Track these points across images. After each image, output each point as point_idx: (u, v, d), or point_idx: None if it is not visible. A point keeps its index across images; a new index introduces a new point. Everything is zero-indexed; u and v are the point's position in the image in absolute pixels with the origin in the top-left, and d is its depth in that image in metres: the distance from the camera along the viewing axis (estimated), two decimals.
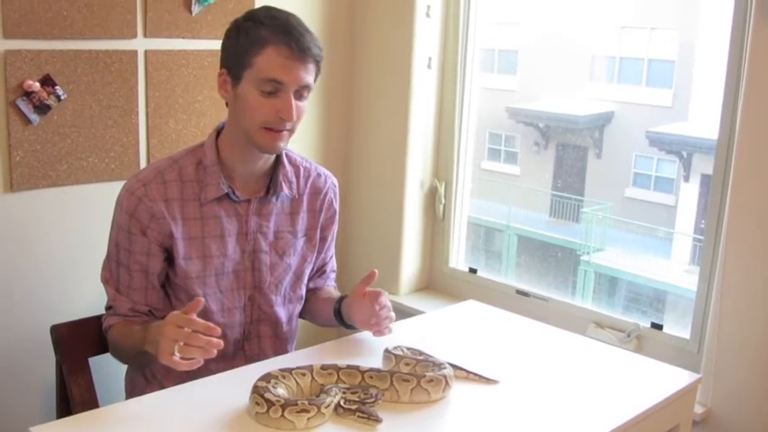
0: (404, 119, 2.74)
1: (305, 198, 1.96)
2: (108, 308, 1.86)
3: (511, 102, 3.08)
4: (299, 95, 1.76)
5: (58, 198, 2.25)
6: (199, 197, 1.82)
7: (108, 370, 2.14)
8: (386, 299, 1.83)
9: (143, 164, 2.38)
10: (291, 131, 1.79)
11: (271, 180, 1.89)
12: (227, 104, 1.83)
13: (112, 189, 2.32)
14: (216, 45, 2.47)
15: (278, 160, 1.90)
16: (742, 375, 2.05)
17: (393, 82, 2.76)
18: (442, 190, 2.84)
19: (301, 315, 2.07)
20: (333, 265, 2.13)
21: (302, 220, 1.96)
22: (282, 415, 1.45)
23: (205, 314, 1.83)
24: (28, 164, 2.17)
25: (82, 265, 2.32)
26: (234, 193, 1.84)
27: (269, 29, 1.72)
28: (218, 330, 1.51)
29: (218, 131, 1.87)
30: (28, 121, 2.14)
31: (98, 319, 1.99)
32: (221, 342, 1.52)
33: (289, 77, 1.72)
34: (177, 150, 1.90)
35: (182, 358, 1.50)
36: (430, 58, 2.75)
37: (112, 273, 1.85)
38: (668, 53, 2.71)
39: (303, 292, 2.01)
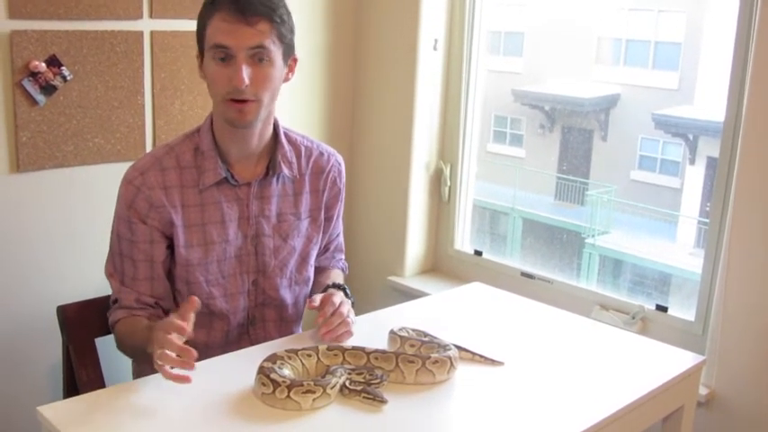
0: (409, 100, 2.73)
1: (307, 178, 1.92)
2: (113, 301, 1.82)
3: (517, 84, 3.08)
4: (258, 61, 1.69)
5: (64, 179, 2.26)
6: (198, 183, 1.79)
7: (115, 351, 2.15)
8: (339, 303, 1.76)
9: (149, 145, 2.38)
10: (258, 102, 1.71)
11: (269, 161, 1.85)
12: None
13: (118, 170, 2.32)
14: None
15: (276, 140, 1.86)
16: (746, 357, 2.05)
17: (399, 63, 2.75)
18: (447, 172, 2.84)
19: None
20: (339, 244, 2.10)
21: (305, 201, 1.92)
22: (288, 395, 1.45)
23: (208, 300, 1.83)
24: (34, 144, 2.17)
25: (88, 246, 2.33)
26: (233, 177, 1.81)
27: None
28: (194, 354, 1.44)
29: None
30: (34, 102, 2.15)
31: (105, 299, 1.99)
32: (193, 364, 1.44)
33: (233, 41, 1.66)
34: (174, 137, 1.87)
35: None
36: (436, 40, 2.74)
37: (116, 265, 1.82)
38: (675, 36, 2.70)
39: (310, 273, 1.97)
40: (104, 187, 2.33)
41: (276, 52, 1.71)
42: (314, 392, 1.47)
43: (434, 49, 2.74)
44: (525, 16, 3.01)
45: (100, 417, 1.43)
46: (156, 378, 1.60)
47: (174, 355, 1.44)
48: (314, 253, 1.97)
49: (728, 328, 2.06)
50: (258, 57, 1.68)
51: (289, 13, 1.75)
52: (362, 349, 1.65)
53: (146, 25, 2.32)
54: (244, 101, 1.69)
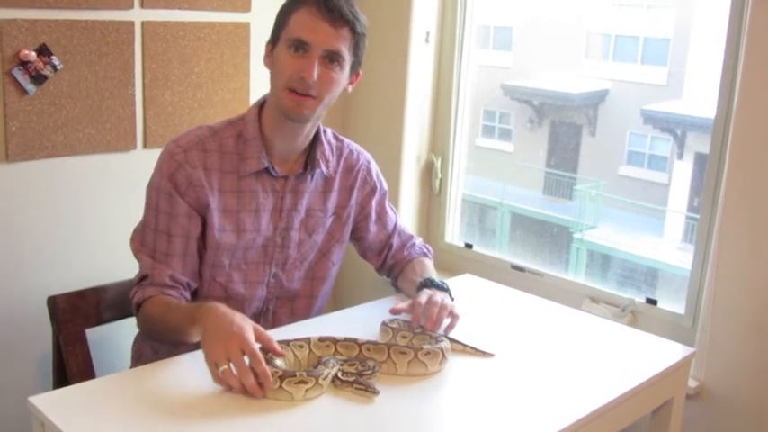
0: (401, 92, 2.73)
1: (338, 176, 1.95)
2: (142, 278, 1.77)
3: (506, 79, 3.07)
4: (329, 62, 1.72)
5: (53, 169, 2.24)
6: (237, 170, 1.80)
7: (105, 341, 2.14)
8: (426, 299, 1.80)
9: (139, 135, 2.38)
10: (318, 100, 1.73)
11: (308, 158, 1.87)
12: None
13: (108, 160, 2.34)
14: (213, 17, 2.47)
15: (315, 137, 1.88)
16: (736, 350, 2.06)
17: (391, 56, 2.75)
18: (438, 164, 2.85)
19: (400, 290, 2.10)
20: (403, 233, 2.11)
21: (333, 199, 1.95)
22: (281, 386, 1.45)
23: (227, 282, 1.84)
24: (24, 134, 2.16)
25: (78, 236, 2.32)
26: (273, 168, 1.82)
27: None
28: (270, 383, 1.45)
29: (261, 105, 1.85)
30: (24, 92, 2.13)
31: (95, 290, 1.99)
32: (262, 393, 1.45)
33: (313, 38, 1.69)
34: (216, 121, 1.87)
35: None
36: (428, 33, 2.74)
37: (147, 241, 1.79)
38: (664, 31, 2.70)
39: (332, 271, 1.99)
40: (94, 178, 2.33)
41: (347, 60, 1.75)
42: (306, 383, 1.47)
43: (426, 41, 2.74)
44: (514, 11, 3.01)
45: (91, 407, 1.43)
46: (147, 368, 1.61)
47: (237, 381, 1.45)
48: (336, 250, 1.98)
49: (718, 320, 2.08)
50: (330, 59, 1.72)
51: (367, 29, 1.78)
52: (354, 340, 1.65)
53: (137, 15, 2.31)
54: (305, 95, 1.72)
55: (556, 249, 2.82)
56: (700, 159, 2.46)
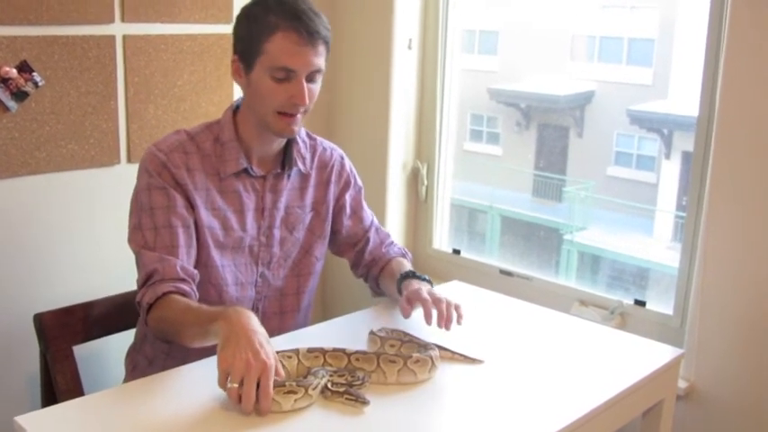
0: (385, 100, 2.73)
1: (314, 172, 1.98)
2: (148, 277, 1.71)
3: (492, 83, 3.08)
4: (311, 78, 1.76)
5: (37, 186, 2.23)
6: (218, 172, 1.83)
7: (94, 358, 2.13)
8: (427, 293, 1.82)
9: (123, 150, 2.37)
10: (305, 112, 1.79)
11: (285, 156, 1.91)
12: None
13: (92, 176, 2.33)
14: (194, 29, 2.47)
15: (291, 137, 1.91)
16: (725, 350, 2.07)
17: (374, 63, 2.75)
18: (424, 171, 2.85)
19: (377, 293, 2.11)
20: (380, 231, 2.13)
21: (310, 195, 1.97)
22: None
23: (219, 286, 1.84)
24: (6, 151, 2.15)
25: (63, 253, 2.31)
26: (252, 168, 1.85)
27: (277, 14, 1.71)
28: (268, 410, 1.43)
29: (235, 108, 1.88)
30: (5, 109, 2.12)
31: (82, 306, 1.98)
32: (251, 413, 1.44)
33: (300, 64, 1.72)
34: (191, 126, 1.89)
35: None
36: (410, 40, 2.74)
37: (149, 240, 1.74)
38: (648, 32, 2.71)
39: (316, 267, 2.01)
40: (78, 193, 2.32)
41: (324, 68, 1.79)
42: (296, 393, 1.46)
43: (409, 48, 2.75)
44: (499, 14, 3.02)
45: (79, 425, 1.42)
46: (135, 385, 1.60)
47: (237, 401, 1.43)
48: (318, 245, 2.00)
49: (706, 320, 2.08)
50: (312, 76, 1.76)
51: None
52: (343, 350, 1.65)
53: (118, 29, 2.30)
54: (293, 114, 1.76)
55: (546, 252, 2.83)
56: (687, 158, 2.46)
